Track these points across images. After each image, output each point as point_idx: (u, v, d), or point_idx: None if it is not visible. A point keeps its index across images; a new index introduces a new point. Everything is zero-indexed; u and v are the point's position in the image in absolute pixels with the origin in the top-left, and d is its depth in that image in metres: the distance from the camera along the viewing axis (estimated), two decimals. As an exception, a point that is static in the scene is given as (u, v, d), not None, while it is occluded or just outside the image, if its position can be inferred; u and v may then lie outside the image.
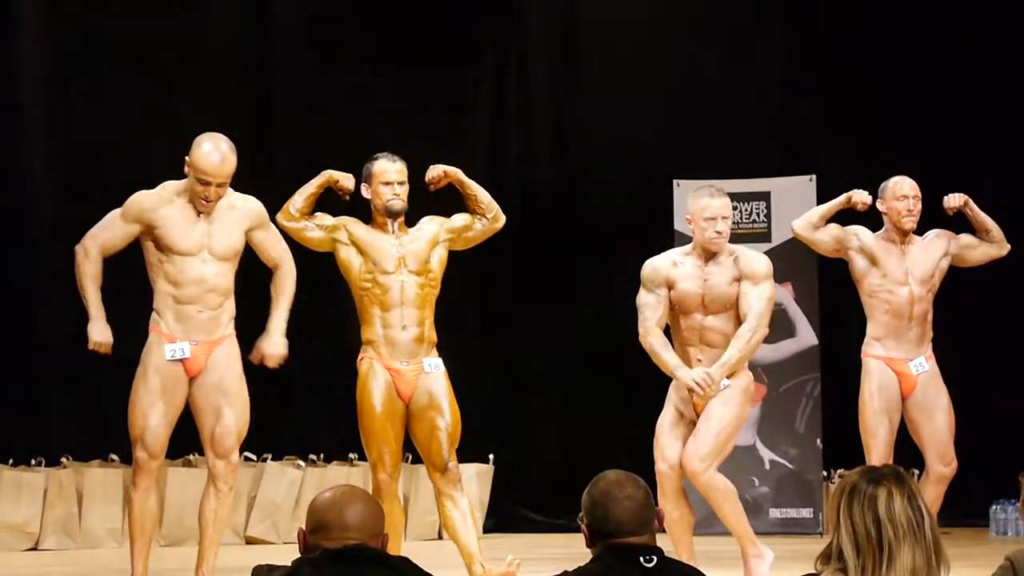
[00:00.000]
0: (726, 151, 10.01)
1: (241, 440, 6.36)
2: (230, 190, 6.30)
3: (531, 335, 10.28)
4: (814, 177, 9.55)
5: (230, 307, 6.34)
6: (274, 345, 6.35)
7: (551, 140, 10.42)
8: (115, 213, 6.28)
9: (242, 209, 6.35)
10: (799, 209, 9.47)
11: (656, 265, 6.70)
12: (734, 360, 6.52)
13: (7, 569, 7.94)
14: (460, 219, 6.57)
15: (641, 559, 3.22)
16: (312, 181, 6.49)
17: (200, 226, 6.25)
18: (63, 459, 8.94)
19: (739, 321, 6.60)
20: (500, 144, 10.35)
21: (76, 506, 8.84)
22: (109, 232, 6.26)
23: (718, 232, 6.60)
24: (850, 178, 8.85)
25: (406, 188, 6.48)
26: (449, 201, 6.62)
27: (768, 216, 9.59)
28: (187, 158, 6.23)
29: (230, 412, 6.29)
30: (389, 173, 6.46)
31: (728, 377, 6.55)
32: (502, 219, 6.60)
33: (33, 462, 8.90)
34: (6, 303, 9.09)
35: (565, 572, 3.25)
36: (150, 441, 6.22)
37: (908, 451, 7.12)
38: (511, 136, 10.38)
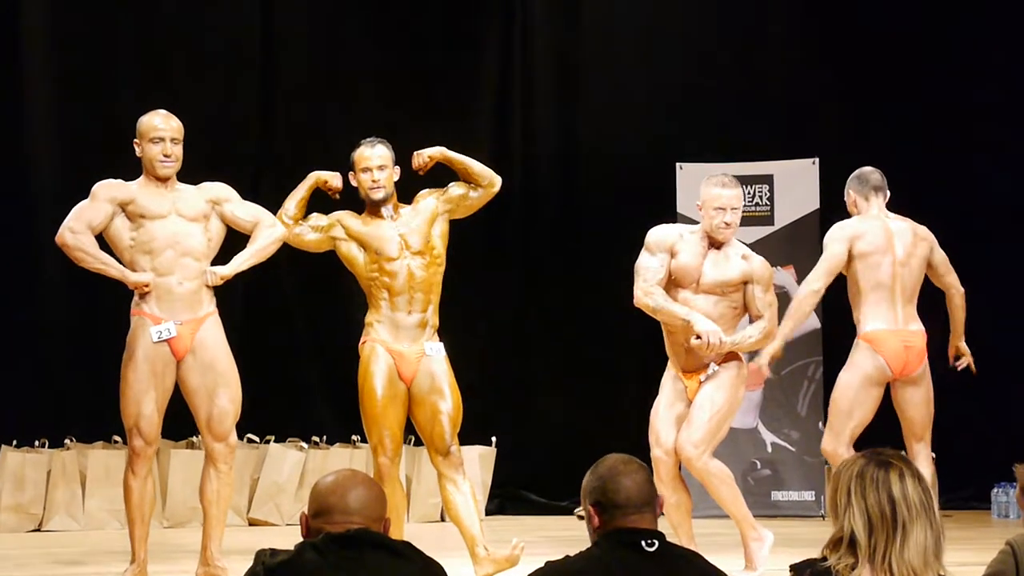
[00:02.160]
0: (729, 134, 10.00)
1: (236, 420, 6.36)
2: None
3: (534, 317, 10.28)
4: (817, 160, 9.55)
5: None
6: (222, 268, 6.36)
7: (554, 123, 10.40)
8: (84, 203, 6.31)
9: (204, 187, 6.45)
10: (802, 192, 9.52)
11: (665, 231, 6.70)
12: (749, 342, 6.55)
13: (11, 550, 7.96)
14: (456, 188, 6.59)
15: (643, 543, 3.21)
16: (300, 185, 6.55)
17: (167, 196, 6.32)
18: (66, 441, 8.95)
19: (729, 310, 6.60)
20: (503, 130, 10.32)
21: (79, 487, 8.86)
22: (89, 213, 6.27)
23: (726, 223, 6.58)
24: (852, 161, 8.86)
25: (387, 172, 6.49)
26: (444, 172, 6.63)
27: (771, 199, 9.59)
28: (135, 141, 6.36)
29: (224, 393, 6.29)
30: (367, 159, 6.49)
31: (719, 363, 6.55)
32: (498, 182, 6.60)
33: (37, 444, 8.92)
34: (10, 286, 9.10)
35: (567, 556, 3.25)
36: (145, 429, 6.22)
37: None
38: (515, 120, 10.34)
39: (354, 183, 6.53)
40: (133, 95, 9.22)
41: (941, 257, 7.16)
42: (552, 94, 10.39)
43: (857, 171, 7.19)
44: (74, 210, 6.27)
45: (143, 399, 6.21)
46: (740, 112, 10.10)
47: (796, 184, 9.54)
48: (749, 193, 9.59)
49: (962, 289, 7.21)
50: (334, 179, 6.56)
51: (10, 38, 9.24)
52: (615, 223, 9.78)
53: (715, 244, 6.62)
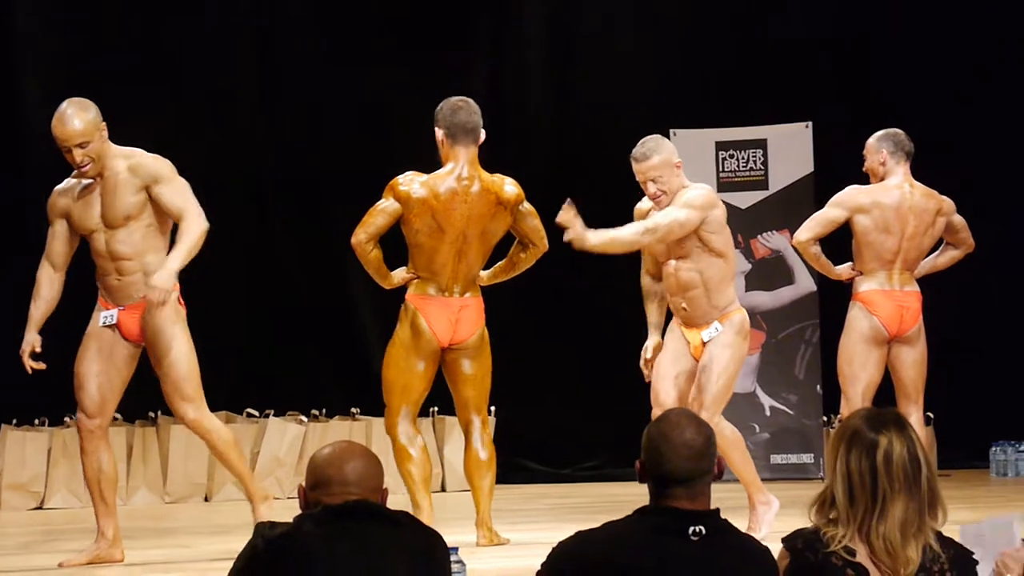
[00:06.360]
0: (723, 99, 9.99)
1: (190, 394, 6.23)
2: (137, 151, 6.21)
3: (531, 286, 10.27)
4: (810, 124, 9.54)
5: (155, 265, 6.17)
6: (157, 277, 6.07)
7: (547, 89, 10.37)
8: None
9: (138, 167, 6.17)
10: (796, 156, 9.52)
11: (639, 207, 6.80)
12: (610, 236, 6.45)
13: (14, 528, 7.98)
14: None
15: (689, 531, 3.04)
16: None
17: (96, 201, 6.21)
18: (66, 419, 8.96)
19: (708, 263, 6.58)
20: (497, 95, 10.29)
21: (80, 465, 8.85)
22: (50, 244, 6.33)
23: (651, 195, 6.60)
24: (846, 125, 8.88)
25: None
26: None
27: (765, 163, 9.59)
28: None
29: (166, 373, 6.23)
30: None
31: (720, 321, 6.56)
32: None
33: (36, 422, 8.93)
34: (7, 264, 9.09)
35: (609, 523, 3.13)
36: (86, 402, 6.28)
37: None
38: (507, 86, 10.33)
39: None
40: (130, 73, 9.22)
41: (960, 223, 7.18)
42: (545, 61, 10.36)
43: (893, 132, 7.08)
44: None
45: (85, 374, 6.27)
46: (733, 77, 10.08)
47: (790, 148, 9.54)
48: (743, 158, 9.60)
49: (972, 246, 7.22)
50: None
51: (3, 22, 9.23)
52: (609, 191, 9.77)
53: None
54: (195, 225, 6.08)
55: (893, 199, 7.00)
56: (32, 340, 6.32)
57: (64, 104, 6.14)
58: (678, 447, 3.08)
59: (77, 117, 6.07)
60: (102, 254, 6.24)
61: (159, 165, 6.17)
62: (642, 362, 6.78)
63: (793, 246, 7.27)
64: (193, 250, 6.09)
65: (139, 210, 6.16)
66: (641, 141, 6.73)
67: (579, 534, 3.11)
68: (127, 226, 6.17)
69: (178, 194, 6.14)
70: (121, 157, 6.16)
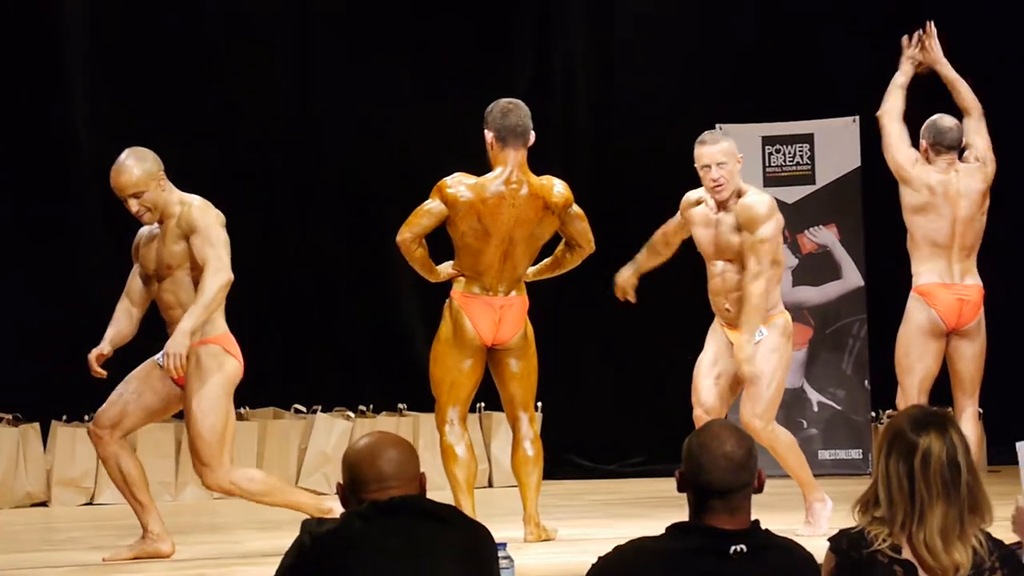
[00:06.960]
0: (769, 94, 9.95)
1: (205, 457, 6.09)
2: (191, 200, 6.15)
3: (577, 282, 10.27)
4: (857, 118, 9.49)
5: None
6: (170, 343, 6.01)
7: (590, 84, 10.34)
8: None
9: (183, 217, 6.11)
10: (843, 150, 9.48)
11: (688, 196, 6.76)
12: (747, 318, 6.43)
13: (64, 523, 8.05)
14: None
15: (730, 550, 3.00)
16: None
17: (153, 247, 6.22)
18: (115, 415, 9.02)
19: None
20: (541, 92, 10.28)
21: (129, 461, 8.92)
22: (129, 281, 6.34)
23: (713, 180, 6.52)
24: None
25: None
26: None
27: (812, 158, 9.55)
28: None
29: (186, 427, 6.17)
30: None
31: (763, 324, 6.53)
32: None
33: (86, 418, 8.99)
34: (56, 267, 9.16)
35: (644, 538, 3.11)
36: (104, 410, 6.26)
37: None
38: (554, 84, 10.30)
39: None
40: (174, 80, 9.27)
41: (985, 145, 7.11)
42: (587, 56, 10.33)
43: (936, 121, 7.02)
44: None
45: (120, 388, 6.27)
46: (780, 71, 10.03)
47: (837, 143, 9.50)
48: (790, 152, 9.56)
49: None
50: None
51: (53, 39, 9.29)
52: (655, 186, 9.75)
53: (721, 206, 6.57)
54: (211, 280, 5.97)
55: (939, 182, 6.95)
56: (103, 347, 6.28)
57: (123, 154, 6.11)
58: (718, 459, 3.06)
59: (134, 168, 6.06)
60: (156, 300, 6.26)
61: (199, 215, 6.08)
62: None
63: (878, 115, 7.19)
64: (209, 305, 5.97)
65: (180, 260, 6.11)
66: (706, 132, 6.72)
67: (619, 549, 3.09)
68: (172, 275, 6.14)
69: (206, 244, 6.03)
70: (179, 204, 6.13)
